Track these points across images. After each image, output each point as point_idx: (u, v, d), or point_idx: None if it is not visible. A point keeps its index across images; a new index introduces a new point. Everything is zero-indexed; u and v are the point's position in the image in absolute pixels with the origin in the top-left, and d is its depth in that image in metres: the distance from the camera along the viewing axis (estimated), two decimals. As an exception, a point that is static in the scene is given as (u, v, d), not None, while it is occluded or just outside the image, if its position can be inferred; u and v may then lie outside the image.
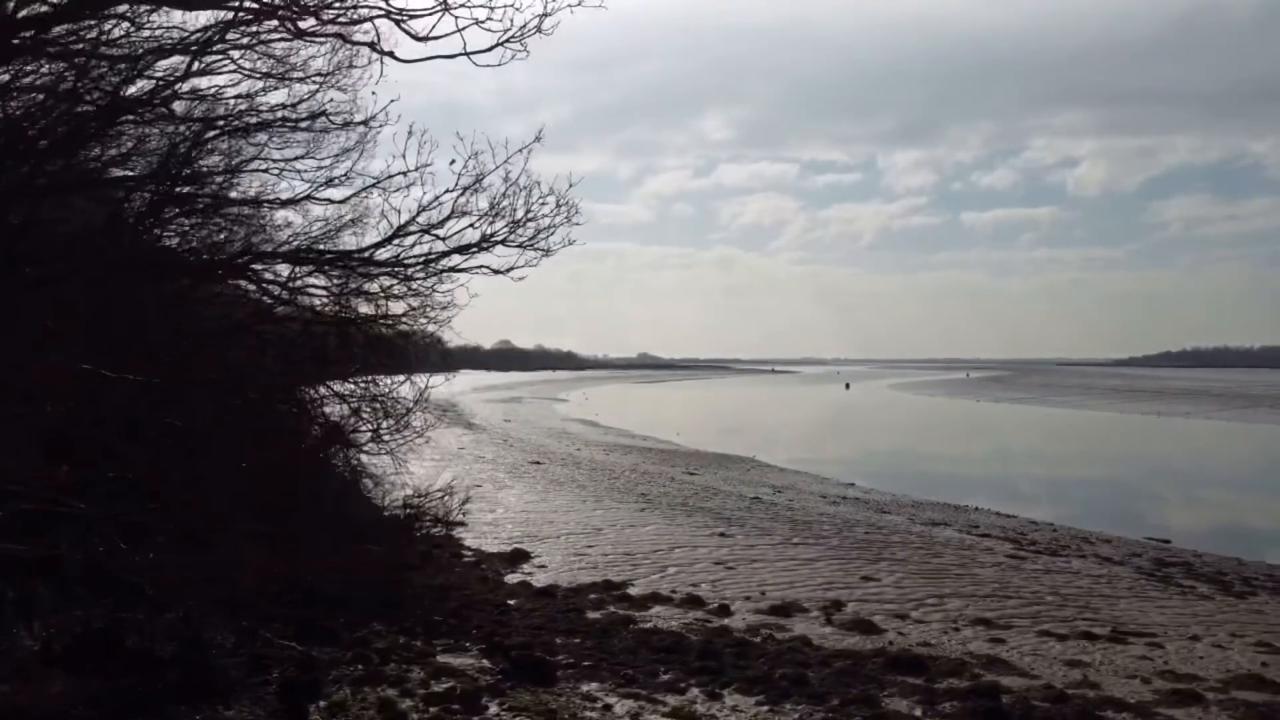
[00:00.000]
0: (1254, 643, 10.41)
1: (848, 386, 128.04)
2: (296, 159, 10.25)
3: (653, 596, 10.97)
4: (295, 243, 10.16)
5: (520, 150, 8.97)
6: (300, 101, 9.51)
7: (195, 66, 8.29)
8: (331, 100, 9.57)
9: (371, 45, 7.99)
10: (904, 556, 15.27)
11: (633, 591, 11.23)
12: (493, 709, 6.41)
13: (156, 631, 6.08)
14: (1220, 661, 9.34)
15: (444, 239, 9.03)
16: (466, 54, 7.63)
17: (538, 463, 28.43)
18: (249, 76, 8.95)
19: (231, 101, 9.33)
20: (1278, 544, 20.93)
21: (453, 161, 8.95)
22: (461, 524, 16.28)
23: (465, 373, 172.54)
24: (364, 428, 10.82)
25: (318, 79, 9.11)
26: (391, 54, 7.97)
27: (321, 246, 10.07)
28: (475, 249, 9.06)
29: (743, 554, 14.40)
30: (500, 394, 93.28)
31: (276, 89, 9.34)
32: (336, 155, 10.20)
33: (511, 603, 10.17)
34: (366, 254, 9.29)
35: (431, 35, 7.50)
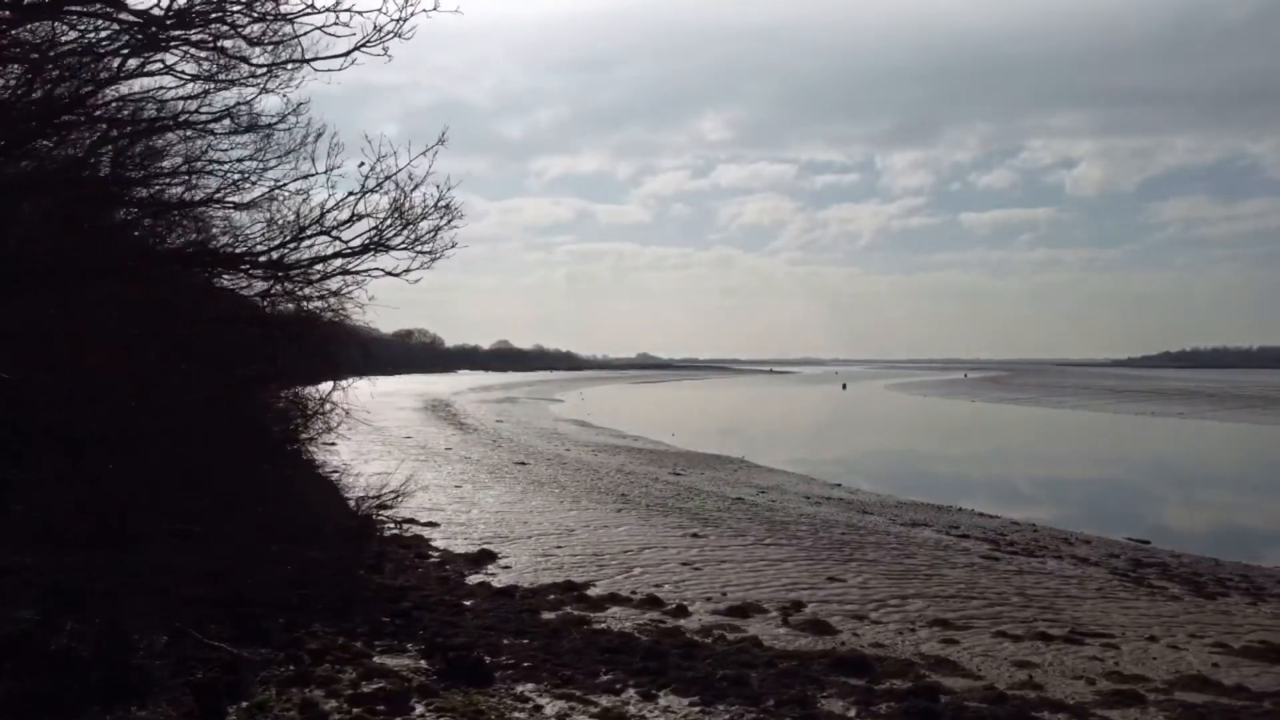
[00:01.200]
0: (1211, 644, 10.39)
1: (844, 387, 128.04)
2: (202, 162, 10.23)
3: (612, 597, 10.96)
4: (190, 248, 10.19)
5: (424, 152, 8.98)
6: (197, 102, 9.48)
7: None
8: (236, 103, 9.59)
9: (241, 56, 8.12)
10: (875, 557, 15.25)
11: (593, 592, 11.22)
12: (419, 710, 6.38)
13: (84, 634, 6.07)
14: (1172, 663, 9.31)
15: (346, 241, 9.03)
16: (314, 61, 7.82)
17: (523, 463, 28.41)
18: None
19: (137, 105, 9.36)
20: (1257, 544, 20.93)
21: (361, 164, 9.00)
22: (433, 524, 16.33)
23: (464, 373, 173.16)
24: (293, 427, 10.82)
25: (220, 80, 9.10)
26: (245, 60, 8.12)
27: (217, 248, 10.09)
28: (367, 251, 9.06)
29: (712, 555, 14.37)
30: (496, 394, 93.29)
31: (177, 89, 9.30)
32: (241, 159, 10.20)
33: (468, 603, 10.15)
34: (265, 256, 9.27)
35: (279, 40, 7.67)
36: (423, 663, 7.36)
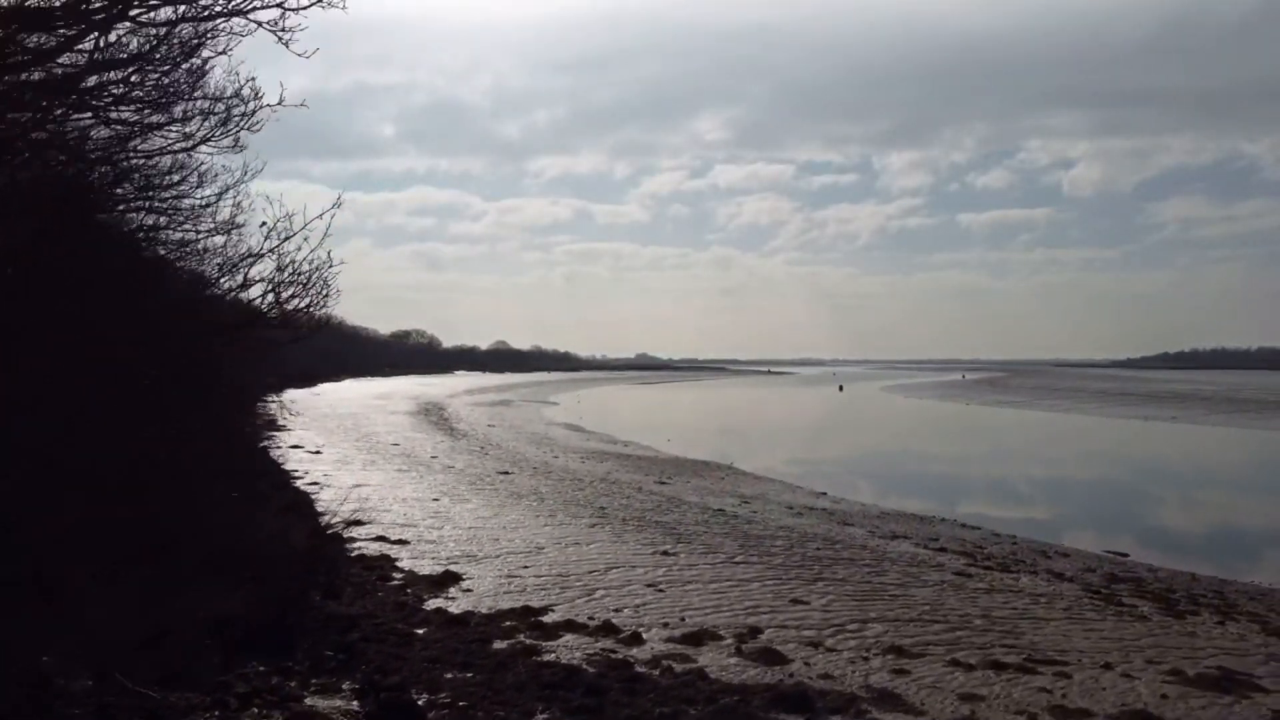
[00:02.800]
0: (1167, 670, 10.34)
1: (841, 389, 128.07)
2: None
3: (568, 624, 10.91)
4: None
5: (320, 215, 9.07)
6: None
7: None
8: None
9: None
10: (844, 576, 15.20)
11: (550, 619, 11.17)
12: (340, 758, 6.36)
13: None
14: (1121, 694, 9.26)
15: (248, 301, 9.09)
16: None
17: (506, 473, 28.37)
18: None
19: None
20: (1236, 557, 20.89)
21: (262, 224, 9.06)
22: (403, 542, 16.29)
23: (461, 374, 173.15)
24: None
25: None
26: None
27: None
28: (258, 317, 9.09)
29: (679, 575, 14.32)
30: (491, 396, 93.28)
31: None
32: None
33: (420, 632, 10.10)
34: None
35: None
36: (354, 704, 7.32)
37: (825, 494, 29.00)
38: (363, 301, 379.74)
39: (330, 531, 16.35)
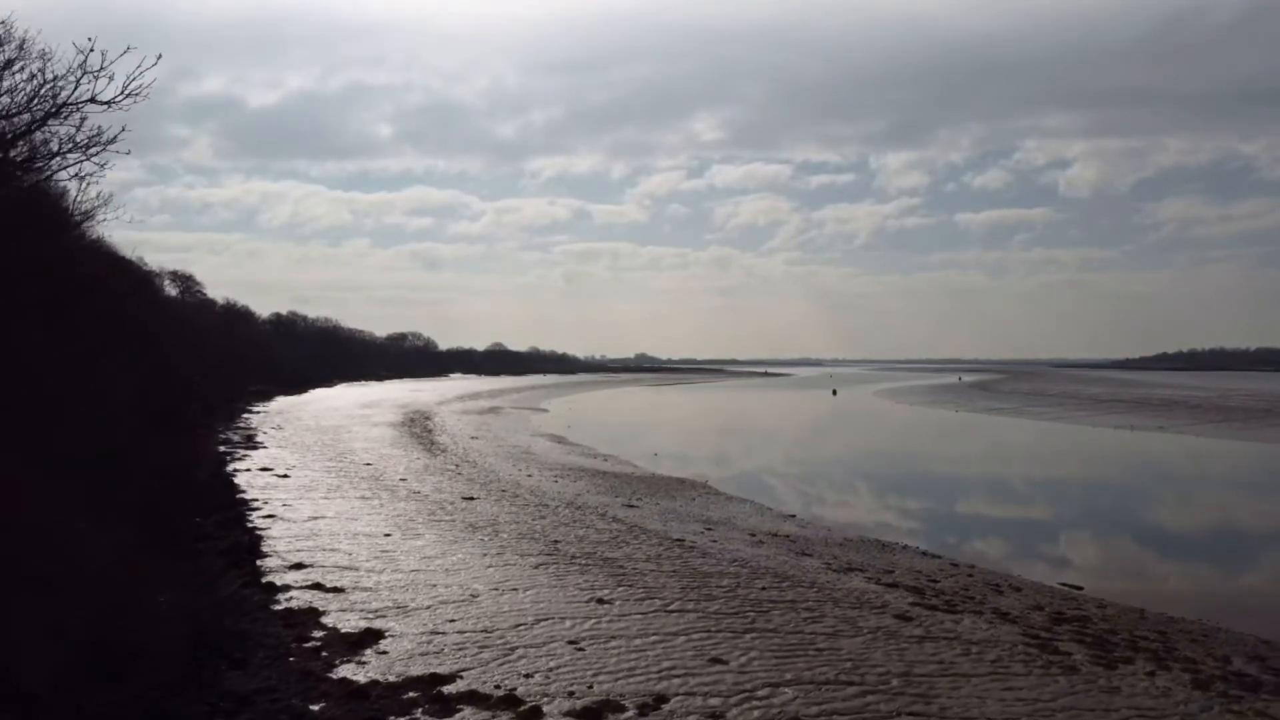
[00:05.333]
0: (1069, 743, 10.25)
1: (834, 393, 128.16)
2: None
3: (470, 695, 10.82)
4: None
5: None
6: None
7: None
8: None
9: None
10: (778, 624, 15.09)
11: (455, 688, 11.08)
12: None
13: None
14: (1010, 777, 9.16)
15: None
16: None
17: (471, 498, 28.29)
18: None
19: None
20: (1192, 589, 20.76)
21: None
22: (338, 590, 16.19)
23: (457, 377, 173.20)
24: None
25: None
26: None
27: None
28: None
29: (606, 628, 14.23)
30: (482, 403, 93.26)
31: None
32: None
33: (315, 709, 10.03)
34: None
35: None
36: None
37: (795, 516, 28.93)
38: (362, 301, 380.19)
39: (264, 581, 16.30)
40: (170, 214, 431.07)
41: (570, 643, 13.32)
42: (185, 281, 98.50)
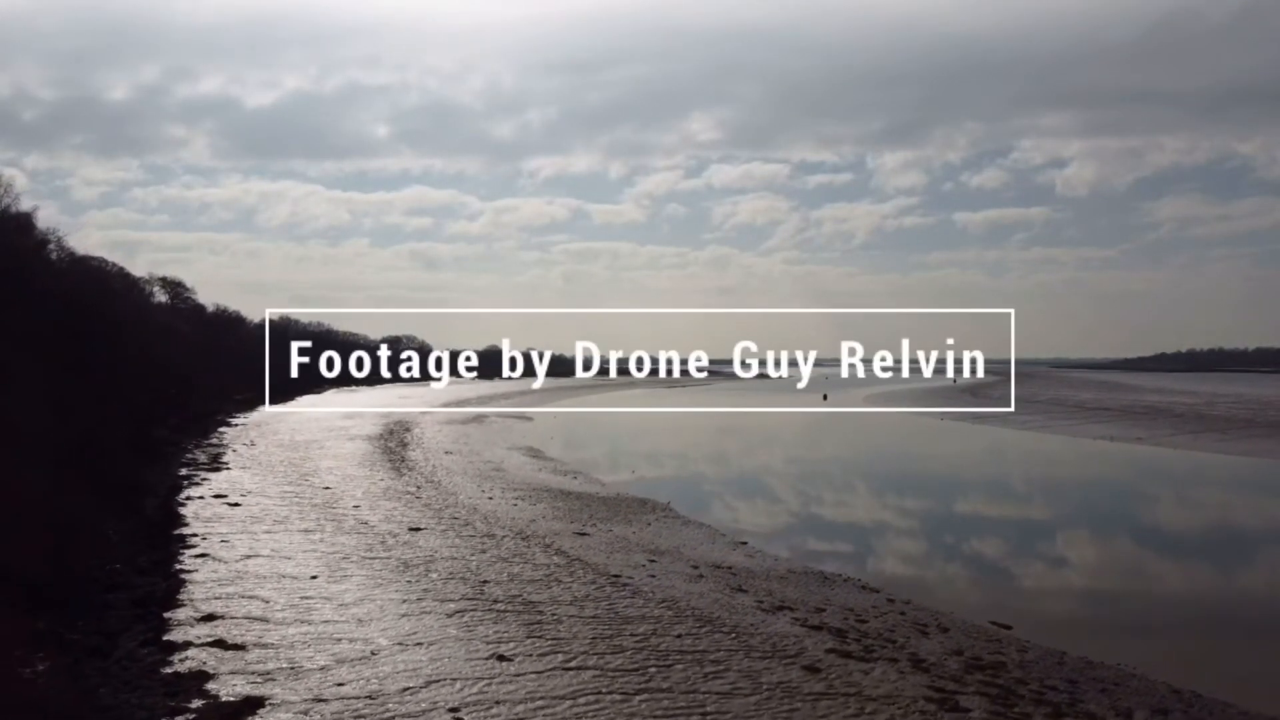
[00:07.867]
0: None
1: (825, 398, 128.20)
2: None
3: (324, 779, 10.73)
4: None
5: None
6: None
7: None
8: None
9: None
10: (675, 682, 14.91)
11: (312, 770, 10.98)
12: None
13: None
14: None
15: None
16: None
17: (418, 529, 28.16)
18: None
19: None
20: (1119, 629, 20.58)
21: None
22: (239, 648, 16.05)
23: (450, 381, 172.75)
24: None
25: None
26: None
27: None
28: None
29: (495, 691, 14.12)
30: (470, 410, 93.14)
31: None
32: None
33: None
34: None
35: None
36: None
37: (746, 544, 28.78)
38: (362, 301, 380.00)
39: (164, 640, 16.19)
40: (169, 214, 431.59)
41: (450, 710, 13.21)
42: (175, 288, 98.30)
